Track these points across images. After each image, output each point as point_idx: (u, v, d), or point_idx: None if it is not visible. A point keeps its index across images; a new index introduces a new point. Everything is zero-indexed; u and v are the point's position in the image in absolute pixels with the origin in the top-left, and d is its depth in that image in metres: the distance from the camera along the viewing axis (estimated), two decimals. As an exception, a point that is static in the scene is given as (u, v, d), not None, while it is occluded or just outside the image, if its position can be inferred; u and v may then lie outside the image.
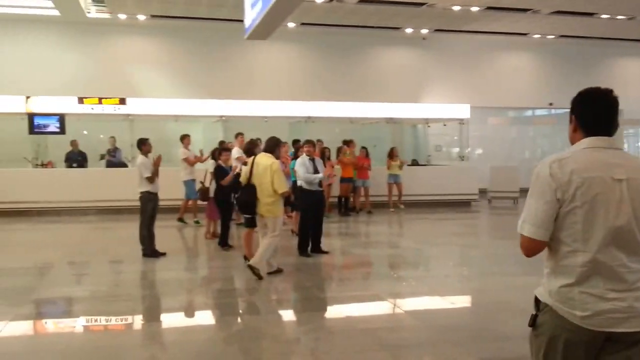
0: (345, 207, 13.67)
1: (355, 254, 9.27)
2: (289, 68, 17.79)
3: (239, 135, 11.92)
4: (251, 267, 7.04)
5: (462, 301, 6.70)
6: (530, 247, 2.30)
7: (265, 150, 7.46)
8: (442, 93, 18.49)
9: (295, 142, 11.44)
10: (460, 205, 15.21)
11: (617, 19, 15.85)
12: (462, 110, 16.68)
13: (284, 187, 7.18)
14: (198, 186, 10.45)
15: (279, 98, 15.81)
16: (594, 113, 2.36)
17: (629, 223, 2.21)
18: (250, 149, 8.34)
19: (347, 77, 17.99)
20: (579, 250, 2.23)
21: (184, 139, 11.85)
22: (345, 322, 5.73)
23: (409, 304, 6.40)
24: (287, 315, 6.09)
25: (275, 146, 7.48)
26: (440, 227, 12.54)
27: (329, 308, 6.29)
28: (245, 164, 7.92)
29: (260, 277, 7.01)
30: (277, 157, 7.49)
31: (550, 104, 19.45)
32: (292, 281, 7.27)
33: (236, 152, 10.99)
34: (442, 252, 9.56)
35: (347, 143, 13.85)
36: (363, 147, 14.18)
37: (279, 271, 7.42)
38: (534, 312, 2.35)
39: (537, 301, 2.35)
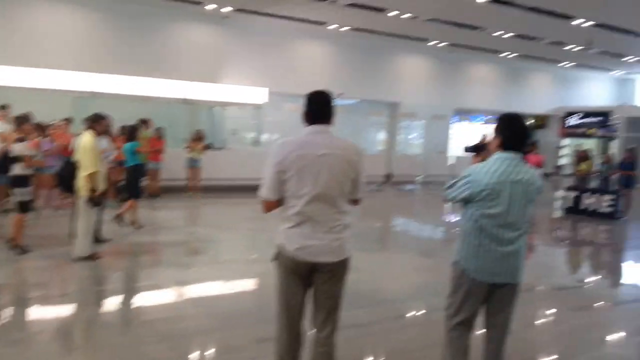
0: (119, 193, 12.75)
1: (139, 242, 8.81)
2: (74, 33, 16.00)
3: (2, 108, 10.42)
4: (83, 259, 6.99)
5: (247, 285, 6.78)
6: (266, 206, 3.33)
7: (87, 127, 7.14)
8: (240, 75, 18.32)
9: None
10: (254, 189, 15.29)
11: (402, 17, 17.20)
12: (260, 95, 16.76)
13: (89, 168, 6.80)
14: None
15: (60, 67, 14.17)
16: (311, 109, 3.31)
17: (327, 185, 3.16)
18: (21, 123, 7.61)
19: (141, 50, 16.83)
20: (295, 205, 3.19)
21: None
22: (122, 314, 5.45)
23: (192, 292, 6.29)
24: (57, 310, 5.58)
25: (92, 122, 7.16)
26: (232, 212, 12.58)
27: (105, 300, 5.91)
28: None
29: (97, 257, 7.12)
30: (99, 134, 7.23)
31: (341, 94, 20.49)
32: (67, 272, 6.70)
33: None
34: (232, 237, 9.58)
35: (145, 122, 13.19)
36: (158, 128, 13.60)
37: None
38: (276, 251, 3.32)
39: (277, 244, 3.30)
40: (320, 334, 3.35)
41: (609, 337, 5.42)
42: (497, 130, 3.41)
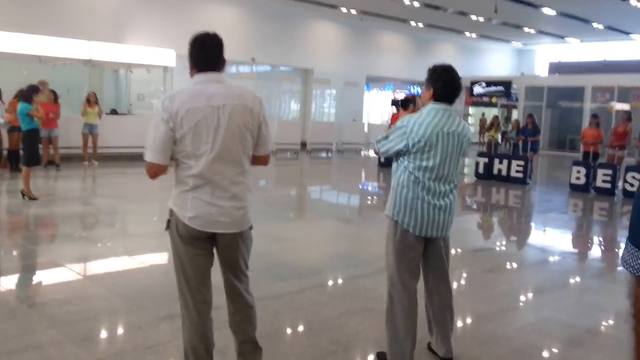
0: (17, 161, 11.56)
1: (33, 214, 7.95)
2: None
3: None
4: None
5: (155, 260, 6.20)
6: (153, 171, 2.78)
7: None
8: (146, 36, 17.11)
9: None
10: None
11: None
12: (167, 57, 15.72)
13: None
14: None
15: None
16: (198, 53, 2.82)
17: (229, 141, 2.73)
18: None
19: (37, 5, 15.25)
20: (192, 166, 2.72)
21: None
22: (10, 297, 4.73)
23: (94, 269, 5.65)
24: None
25: None
26: (138, 182, 11.71)
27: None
28: None
29: None
30: None
31: (253, 59, 19.88)
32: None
33: None
34: (138, 208, 8.87)
35: (42, 84, 12.00)
36: (51, 91, 12.41)
37: None
38: (168, 218, 2.87)
39: (171, 210, 2.85)
40: (234, 303, 3.01)
41: (522, 298, 5.36)
42: (430, 81, 3.27)
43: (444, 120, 3.16)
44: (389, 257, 3.34)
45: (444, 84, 3.21)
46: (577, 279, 6.03)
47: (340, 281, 5.51)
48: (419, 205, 3.18)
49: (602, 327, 4.61)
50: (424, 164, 3.15)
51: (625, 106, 22.56)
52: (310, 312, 4.51)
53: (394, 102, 4.47)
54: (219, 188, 2.74)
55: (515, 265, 6.55)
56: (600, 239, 8.68)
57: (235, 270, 2.96)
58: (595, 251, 7.94)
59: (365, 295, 4.96)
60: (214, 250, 2.93)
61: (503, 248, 7.55)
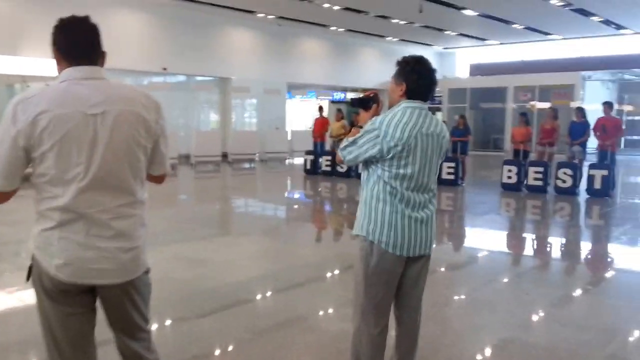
0: None
1: None
2: None
3: None
4: None
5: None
6: None
7: None
8: (44, 47, 15.67)
9: None
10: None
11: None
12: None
13: None
14: None
15: None
16: (72, 40, 2.06)
17: (110, 161, 2.00)
18: None
19: None
20: (58, 195, 1.97)
21: None
22: None
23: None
24: None
25: None
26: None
27: None
28: None
29: None
30: None
31: (164, 69, 18.80)
32: None
33: None
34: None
35: None
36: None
37: None
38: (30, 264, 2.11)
39: (33, 255, 2.09)
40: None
41: (476, 315, 4.73)
42: (401, 75, 2.75)
43: (422, 120, 2.69)
44: (360, 284, 2.79)
45: (419, 77, 2.72)
46: (532, 289, 5.46)
47: (270, 309, 4.72)
48: (399, 220, 2.69)
49: (574, 347, 3.96)
50: (401, 171, 2.67)
51: (546, 105, 23.10)
52: (235, 354, 3.69)
53: (354, 102, 3.84)
54: (96, 225, 2.00)
55: (462, 276, 5.98)
56: (547, 240, 8.11)
57: (129, 329, 2.20)
58: (546, 255, 7.25)
59: (300, 325, 4.20)
60: (98, 304, 2.16)
61: (445, 257, 6.97)
